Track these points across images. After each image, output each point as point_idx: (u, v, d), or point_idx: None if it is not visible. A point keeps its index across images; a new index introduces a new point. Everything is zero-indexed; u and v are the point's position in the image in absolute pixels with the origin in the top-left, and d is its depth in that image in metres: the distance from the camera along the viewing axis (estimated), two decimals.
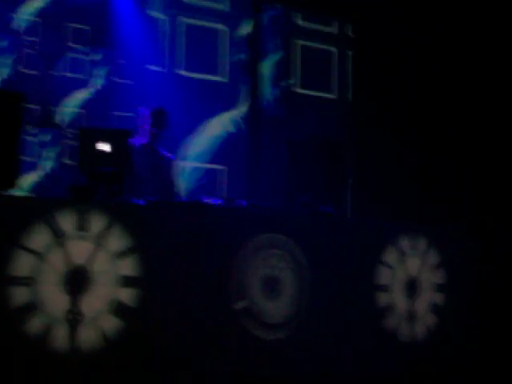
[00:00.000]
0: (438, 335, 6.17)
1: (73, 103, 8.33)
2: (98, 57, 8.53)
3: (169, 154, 6.74)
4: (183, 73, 9.08)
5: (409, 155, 9.04)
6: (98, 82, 8.51)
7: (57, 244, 4.70)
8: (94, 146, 5.09)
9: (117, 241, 4.86)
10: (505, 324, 6.82)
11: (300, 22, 9.99)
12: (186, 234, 5.12)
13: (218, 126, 9.33)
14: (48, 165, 8.14)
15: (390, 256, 5.98)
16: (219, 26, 9.41)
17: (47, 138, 8.14)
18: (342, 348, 5.69)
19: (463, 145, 8.69)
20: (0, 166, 4.78)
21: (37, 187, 8.03)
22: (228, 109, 9.41)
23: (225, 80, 9.40)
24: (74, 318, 4.70)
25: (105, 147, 5.10)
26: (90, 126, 8.13)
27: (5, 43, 7.98)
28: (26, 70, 8.07)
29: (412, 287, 6.08)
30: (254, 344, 5.33)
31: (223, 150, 9.28)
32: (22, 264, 4.59)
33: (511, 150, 8.25)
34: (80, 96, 8.39)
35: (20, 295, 4.58)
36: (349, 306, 5.75)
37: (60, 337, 4.67)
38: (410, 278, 6.07)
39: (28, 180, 7.98)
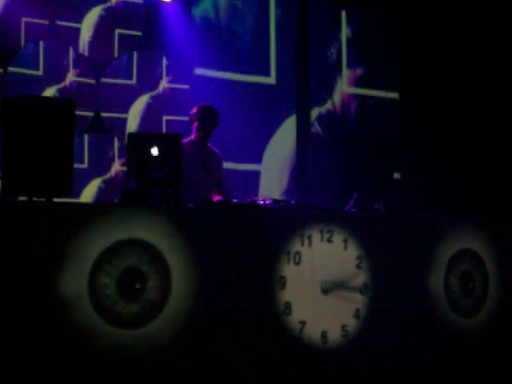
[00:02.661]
0: (495, 326, 6.11)
1: (124, 109, 8.43)
2: (148, 62, 8.61)
3: (218, 151, 6.80)
4: (233, 76, 9.13)
5: (457, 149, 8.98)
6: (149, 87, 8.60)
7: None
8: (143, 151, 5.15)
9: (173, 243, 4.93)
10: None
11: (346, 19, 10.00)
12: (237, 236, 5.15)
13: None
14: (102, 171, 8.24)
15: (442, 252, 5.95)
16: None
17: (99, 144, 8.24)
18: (398, 341, 5.68)
19: None
20: (54, 174, 4.87)
21: (96, 194, 8.16)
22: (278, 110, 9.47)
23: (274, 82, 9.44)
24: None
25: (154, 151, 5.16)
26: (139, 131, 8.25)
27: (57, 52, 8.10)
28: (77, 78, 8.17)
29: (465, 282, 6.01)
30: (308, 344, 5.36)
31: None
32: None
33: None
34: (131, 101, 8.48)
35: None
36: (405, 304, 5.73)
37: None
38: (463, 273, 6.01)
39: (85, 186, 8.10)
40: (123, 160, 8.18)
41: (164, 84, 8.63)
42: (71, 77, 8.13)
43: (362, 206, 5.89)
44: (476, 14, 8.98)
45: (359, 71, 9.96)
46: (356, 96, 9.96)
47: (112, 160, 8.27)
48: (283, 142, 9.42)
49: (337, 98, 9.85)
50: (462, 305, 5.94)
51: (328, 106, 9.78)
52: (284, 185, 9.33)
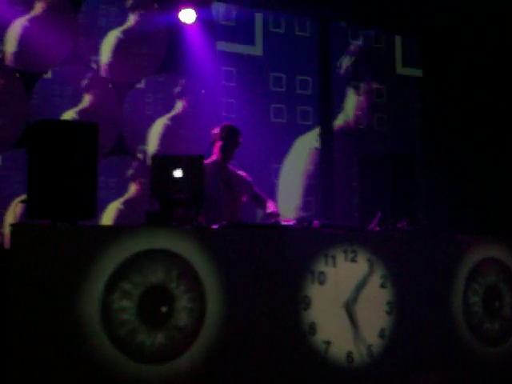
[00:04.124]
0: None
1: (147, 131, 8.48)
2: (171, 85, 8.66)
3: (243, 174, 6.82)
4: (254, 96, 9.18)
5: (481, 167, 8.95)
6: (172, 110, 8.65)
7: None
8: (166, 173, 5.17)
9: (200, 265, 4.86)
10: None
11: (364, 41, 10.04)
12: (261, 256, 5.13)
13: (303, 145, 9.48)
14: (127, 193, 8.28)
15: (466, 270, 5.90)
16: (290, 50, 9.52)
17: (122, 166, 8.29)
18: (424, 360, 5.63)
19: None
20: (79, 197, 4.89)
21: (116, 216, 8.20)
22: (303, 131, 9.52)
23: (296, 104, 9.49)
24: None
25: (178, 173, 5.18)
26: (162, 153, 8.28)
27: (80, 75, 8.18)
28: (100, 101, 8.24)
29: (490, 300, 5.92)
30: (334, 364, 5.34)
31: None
32: None
33: None
34: (154, 124, 8.53)
35: None
36: (430, 323, 5.70)
37: None
38: (486, 290, 5.93)
39: (108, 209, 8.14)
40: (141, 181, 8.24)
41: (184, 105, 8.67)
42: (93, 100, 8.20)
43: (385, 225, 5.87)
44: (498, 30, 8.98)
45: (374, 85, 9.95)
46: (372, 112, 9.96)
47: (130, 181, 8.31)
48: (297, 160, 9.44)
49: (350, 113, 9.84)
50: (487, 329, 5.71)
51: (339, 122, 9.77)
52: (299, 203, 9.34)
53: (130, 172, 8.31)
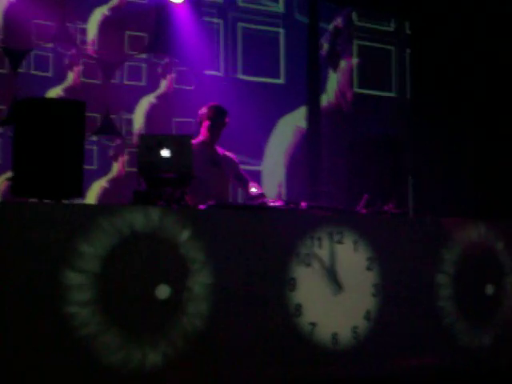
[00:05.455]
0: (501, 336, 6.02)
1: (133, 110, 8.44)
2: (156, 63, 8.62)
3: (230, 154, 6.80)
4: (241, 76, 9.14)
5: (468, 151, 8.96)
6: (157, 89, 8.61)
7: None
8: (153, 152, 5.14)
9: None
10: None
11: (357, 22, 9.98)
12: (247, 237, 5.12)
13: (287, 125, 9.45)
14: (111, 172, 8.25)
15: (450, 257, 5.90)
16: (275, 29, 9.47)
17: (109, 145, 8.25)
18: (409, 342, 5.64)
19: None
20: (65, 175, 4.86)
21: (101, 194, 8.17)
22: (287, 111, 9.47)
23: (283, 82, 9.44)
24: None
25: (165, 153, 5.15)
26: (149, 132, 8.25)
27: (66, 53, 8.12)
28: (86, 79, 8.19)
29: (472, 282, 5.92)
30: (319, 346, 5.34)
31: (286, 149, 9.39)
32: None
33: None
34: (140, 103, 8.49)
35: None
36: (415, 305, 5.71)
37: None
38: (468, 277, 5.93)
39: (92, 187, 8.12)
40: (126, 159, 8.22)
41: (170, 84, 8.64)
42: (79, 77, 8.15)
43: (372, 207, 5.87)
44: (490, 15, 8.98)
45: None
46: (366, 97, 9.94)
47: (114, 160, 8.28)
48: (281, 141, 9.42)
49: (331, 93, 9.80)
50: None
51: (322, 103, 9.73)
52: (282, 183, 9.33)
53: (115, 151, 8.28)
